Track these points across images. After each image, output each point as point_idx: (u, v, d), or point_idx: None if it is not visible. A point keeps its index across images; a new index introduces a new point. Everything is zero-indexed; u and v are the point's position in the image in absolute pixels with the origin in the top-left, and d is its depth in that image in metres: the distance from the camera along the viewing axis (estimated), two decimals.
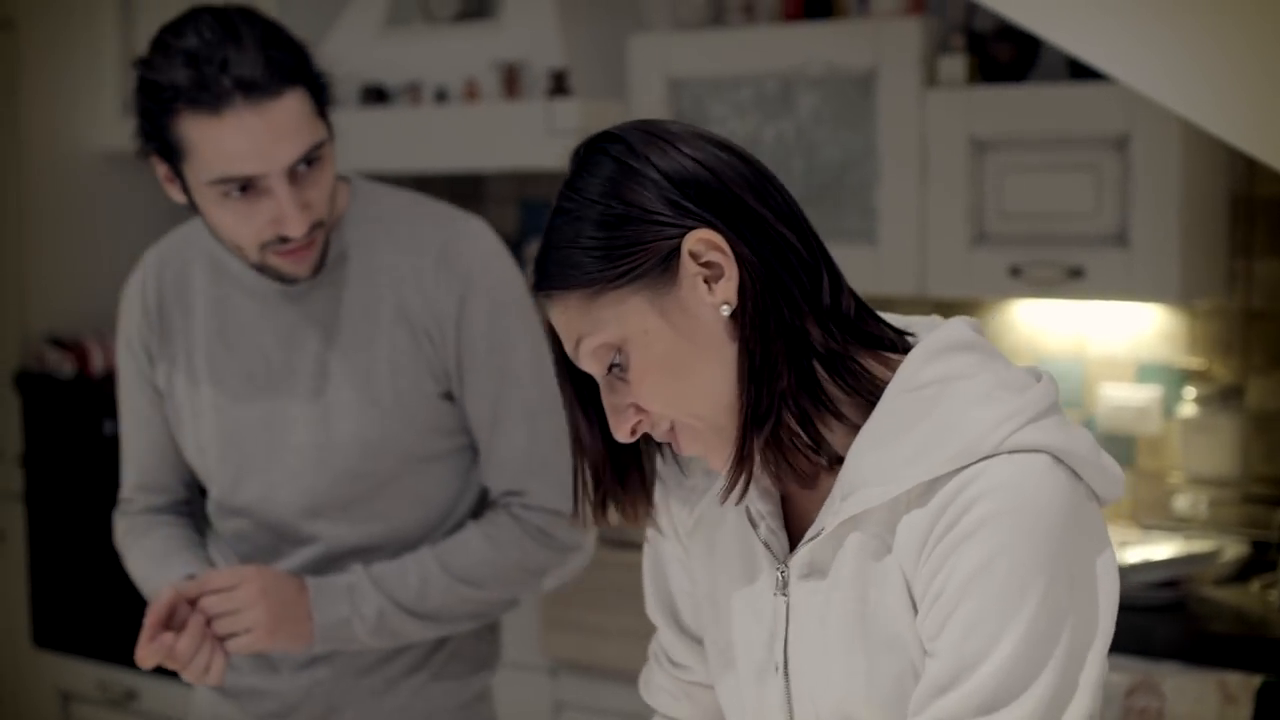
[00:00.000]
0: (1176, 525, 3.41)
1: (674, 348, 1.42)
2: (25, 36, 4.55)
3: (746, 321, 1.42)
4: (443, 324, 2.13)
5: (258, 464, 2.19)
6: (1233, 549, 3.25)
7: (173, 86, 1.97)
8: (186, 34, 1.99)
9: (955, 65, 3.41)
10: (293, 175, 2.00)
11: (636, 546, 3.56)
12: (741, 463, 1.44)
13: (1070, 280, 3.27)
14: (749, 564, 1.55)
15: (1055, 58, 3.43)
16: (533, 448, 2.16)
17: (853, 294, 1.48)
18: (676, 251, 1.41)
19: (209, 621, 2.03)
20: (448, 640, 2.25)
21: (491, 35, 4.03)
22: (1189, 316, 3.46)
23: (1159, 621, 2.98)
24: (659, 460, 1.62)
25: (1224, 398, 3.39)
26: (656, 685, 1.76)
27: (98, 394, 4.44)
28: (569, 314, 1.44)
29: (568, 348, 1.47)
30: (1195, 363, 3.45)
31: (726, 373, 1.43)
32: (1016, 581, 1.34)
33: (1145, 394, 3.48)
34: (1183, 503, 3.41)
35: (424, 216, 2.20)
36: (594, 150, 1.46)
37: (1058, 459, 1.38)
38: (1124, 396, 3.50)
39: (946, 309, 1.58)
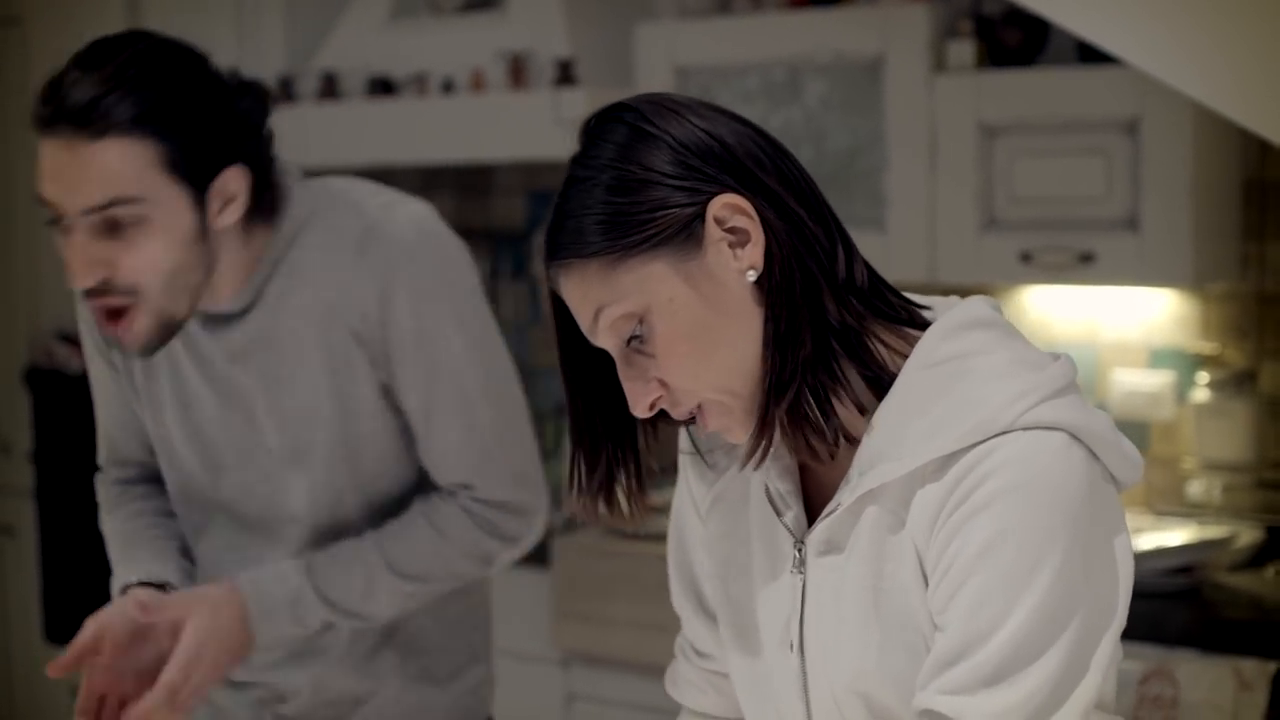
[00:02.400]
0: (1190, 511, 3.39)
1: (701, 316, 1.41)
2: (32, 33, 4.55)
3: (773, 287, 1.41)
4: (367, 318, 2.02)
5: (229, 461, 2.12)
6: (1247, 535, 3.24)
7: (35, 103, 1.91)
8: (74, 58, 1.92)
9: (963, 50, 3.39)
10: (103, 225, 1.88)
11: (646, 538, 3.55)
12: (763, 430, 1.43)
13: (1081, 265, 3.26)
14: (767, 542, 1.54)
15: (1064, 41, 3.41)
16: (471, 440, 2.07)
17: (868, 267, 1.47)
18: (700, 217, 1.40)
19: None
20: (431, 641, 2.21)
21: (497, 25, 4.02)
22: (1201, 301, 3.44)
23: (1173, 608, 2.97)
24: (681, 436, 1.62)
25: (1237, 382, 3.38)
26: (684, 680, 1.76)
27: None
28: (587, 284, 1.42)
29: (583, 321, 1.44)
30: (1208, 348, 3.43)
31: (753, 341, 1.42)
32: (1028, 557, 1.34)
33: (1158, 379, 3.46)
34: (1196, 488, 3.40)
35: (345, 205, 2.06)
36: (606, 119, 1.45)
37: (1074, 437, 1.37)
38: (1136, 382, 3.48)
39: (957, 295, 1.57)
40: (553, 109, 3.74)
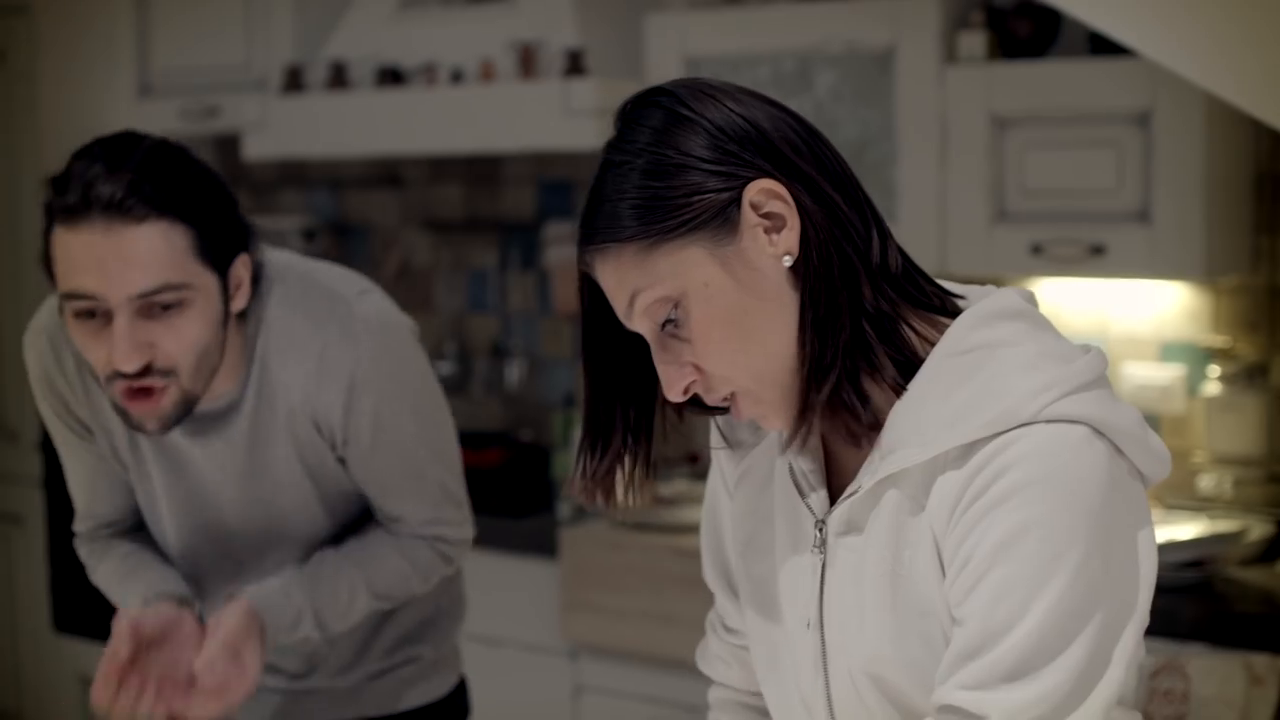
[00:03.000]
0: (1201, 505, 3.38)
1: (736, 301, 1.41)
2: (41, 20, 4.54)
3: (810, 272, 1.41)
4: (330, 420, 2.13)
5: (211, 535, 2.23)
6: (1258, 529, 3.23)
7: (50, 200, 1.96)
8: (81, 154, 1.95)
9: (975, 41, 3.38)
10: (145, 309, 1.93)
11: (655, 529, 3.54)
12: (804, 415, 1.43)
13: (1092, 258, 3.25)
14: (790, 521, 1.54)
15: (1076, 33, 3.40)
16: (425, 499, 2.21)
17: (902, 253, 1.47)
18: (736, 202, 1.40)
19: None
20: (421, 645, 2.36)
21: (507, 15, 4.01)
22: (1212, 294, 3.43)
23: (1184, 602, 2.96)
24: (712, 433, 1.63)
25: (1249, 376, 3.36)
26: (712, 654, 1.77)
27: None
28: (623, 268, 1.42)
29: (618, 305, 1.44)
30: (1219, 341, 3.41)
31: (789, 327, 1.42)
32: (1048, 552, 1.33)
33: (1169, 373, 3.45)
34: (1207, 482, 3.38)
35: (306, 314, 2.13)
36: (642, 104, 1.45)
37: (1097, 432, 1.37)
38: (1147, 375, 3.47)
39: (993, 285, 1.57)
40: (562, 99, 3.73)
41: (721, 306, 1.41)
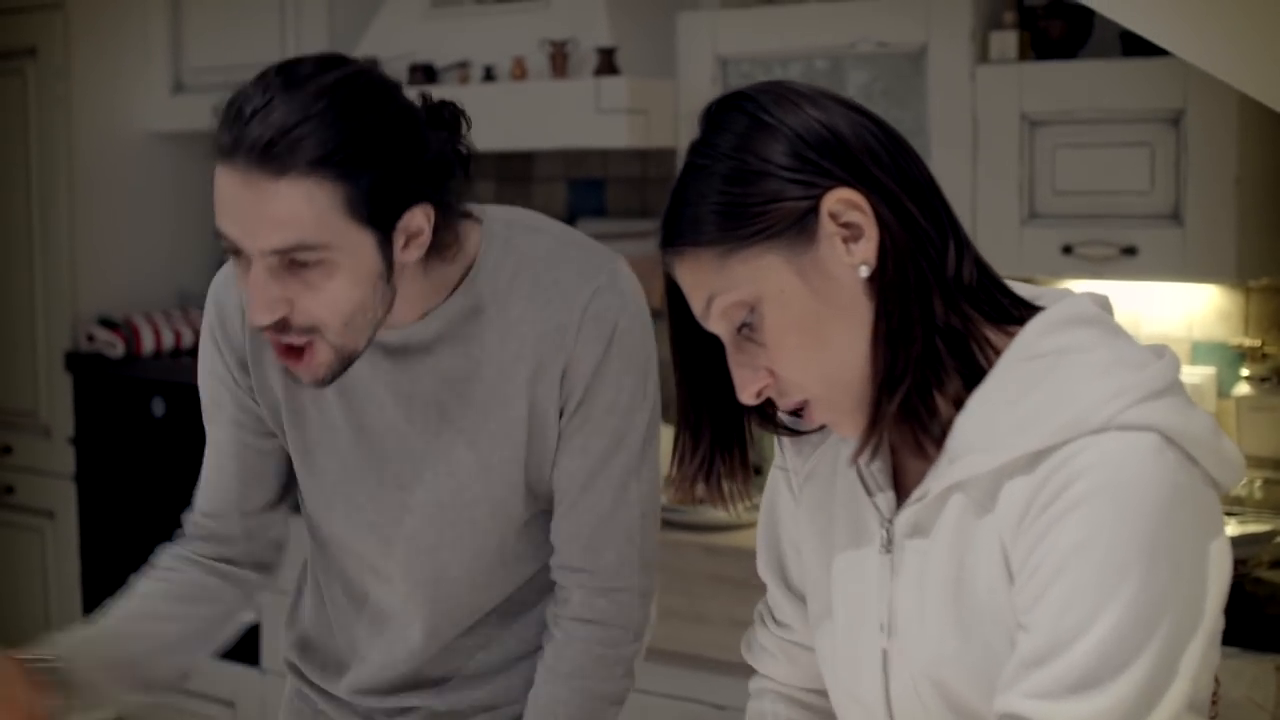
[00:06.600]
0: (1231, 507, 3.37)
1: (811, 309, 1.42)
2: (74, 16, 4.56)
3: (885, 284, 1.41)
4: (581, 371, 1.94)
5: (367, 516, 2.05)
6: None
7: (216, 124, 1.78)
8: (261, 76, 1.77)
9: (1007, 41, 3.37)
10: (284, 264, 1.75)
11: (689, 528, 3.54)
12: (875, 426, 1.43)
13: (1123, 259, 3.24)
14: (856, 521, 1.55)
15: (1108, 33, 3.39)
16: (618, 516, 2.01)
17: (980, 265, 1.47)
18: (814, 211, 1.41)
19: None
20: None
21: (539, 13, 4.02)
22: (1244, 295, 3.42)
23: None
24: (775, 452, 1.64)
25: (1279, 377, 3.35)
26: (759, 645, 1.77)
27: (147, 374, 4.44)
28: (700, 271, 1.44)
29: (696, 307, 1.46)
30: (1250, 342, 3.40)
31: (862, 336, 1.42)
32: (1117, 561, 1.32)
33: (1200, 374, 3.44)
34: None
35: (569, 264, 1.95)
36: (726, 108, 1.46)
37: (1169, 440, 1.35)
38: None
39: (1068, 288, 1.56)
40: (594, 98, 3.74)
41: (796, 313, 1.42)
